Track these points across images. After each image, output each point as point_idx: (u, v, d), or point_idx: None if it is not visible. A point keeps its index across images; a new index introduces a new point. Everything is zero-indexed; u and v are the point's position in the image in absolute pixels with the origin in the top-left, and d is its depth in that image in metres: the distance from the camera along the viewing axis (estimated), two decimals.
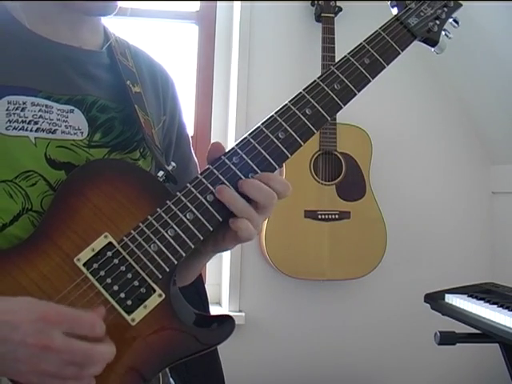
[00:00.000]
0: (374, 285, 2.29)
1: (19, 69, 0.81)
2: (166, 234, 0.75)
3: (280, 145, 0.80)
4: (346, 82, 0.85)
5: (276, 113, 0.82)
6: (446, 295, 1.74)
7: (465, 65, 2.26)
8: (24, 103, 0.79)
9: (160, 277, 0.74)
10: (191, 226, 0.76)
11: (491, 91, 2.22)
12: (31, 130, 0.79)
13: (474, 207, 2.42)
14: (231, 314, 2.12)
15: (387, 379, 2.34)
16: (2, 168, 0.77)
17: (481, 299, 1.65)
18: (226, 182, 0.77)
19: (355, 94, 0.86)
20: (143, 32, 2.32)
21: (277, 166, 0.80)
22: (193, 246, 0.76)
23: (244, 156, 0.78)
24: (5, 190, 0.77)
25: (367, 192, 2.18)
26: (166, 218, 0.75)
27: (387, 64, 0.89)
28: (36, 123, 0.79)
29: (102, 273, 0.73)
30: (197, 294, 1.06)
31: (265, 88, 2.25)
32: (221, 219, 0.77)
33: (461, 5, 0.98)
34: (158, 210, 0.76)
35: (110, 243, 0.74)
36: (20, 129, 0.78)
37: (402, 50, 0.91)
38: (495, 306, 1.57)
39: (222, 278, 2.32)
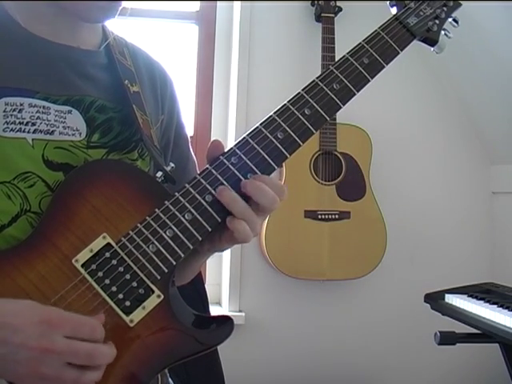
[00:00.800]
0: (374, 285, 2.29)
1: (16, 70, 0.80)
2: (164, 235, 0.75)
3: (279, 145, 0.80)
4: (345, 81, 0.85)
5: (275, 113, 0.81)
6: (446, 295, 1.74)
7: (464, 64, 2.26)
8: (21, 104, 0.79)
9: (158, 277, 0.74)
10: (190, 227, 0.75)
11: (491, 91, 2.22)
12: (29, 132, 0.78)
13: (474, 207, 2.42)
14: (231, 314, 2.13)
15: (387, 379, 2.34)
16: (0, 169, 0.77)
17: (481, 299, 1.65)
18: (224, 182, 0.77)
19: (354, 94, 0.86)
20: (143, 32, 2.32)
21: (276, 166, 0.80)
22: (191, 247, 0.76)
23: (243, 156, 0.78)
24: (3, 192, 0.76)
25: (367, 192, 2.18)
26: (165, 219, 0.75)
27: (386, 64, 0.89)
28: (33, 124, 0.79)
29: (101, 274, 0.72)
30: (197, 293, 1.06)
31: (265, 88, 2.25)
32: (219, 220, 0.77)
33: (460, 4, 0.98)
34: (157, 210, 0.76)
35: (109, 244, 0.74)
36: (17, 130, 0.78)
37: (402, 50, 0.91)
38: (495, 306, 1.57)
39: (222, 278, 2.32)
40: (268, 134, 0.80)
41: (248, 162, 0.78)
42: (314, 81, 0.84)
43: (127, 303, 0.72)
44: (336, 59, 2.53)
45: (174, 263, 0.75)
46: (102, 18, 0.85)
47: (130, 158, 0.86)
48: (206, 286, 1.19)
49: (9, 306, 0.66)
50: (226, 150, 0.79)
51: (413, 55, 2.32)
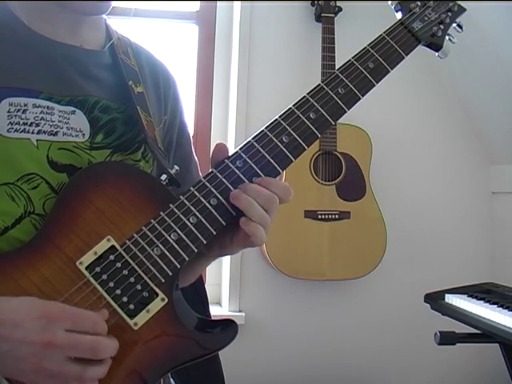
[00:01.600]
0: (374, 285, 2.29)
1: (20, 70, 0.80)
2: (169, 238, 0.75)
3: (284, 149, 0.80)
4: (351, 86, 0.85)
5: (280, 116, 0.81)
6: (446, 295, 1.74)
7: (464, 64, 2.26)
8: (25, 105, 0.78)
9: (163, 281, 0.74)
10: (194, 230, 0.76)
11: (491, 91, 2.22)
12: (33, 132, 0.78)
13: (474, 207, 2.42)
14: (231, 314, 2.14)
15: (387, 379, 2.34)
16: (4, 171, 0.76)
17: (481, 299, 1.65)
18: (229, 185, 0.77)
19: (359, 99, 0.86)
20: (143, 32, 2.32)
21: (280, 170, 0.80)
22: (196, 250, 0.76)
23: (248, 160, 0.78)
24: (7, 193, 0.76)
25: (367, 192, 2.18)
26: (169, 222, 0.75)
27: (391, 68, 0.89)
28: (37, 125, 0.79)
29: (105, 276, 0.72)
30: (197, 294, 1.06)
31: (265, 88, 2.25)
32: (224, 223, 0.77)
33: (465, 9, 0.98)
34: (161, 213, 0.76)
35: (113, 247, 0.74)
36: (21, 131, 0.77)
37: (407, 55, 0.91)
38: (495, 306, 1.57)
39: (222, 278, 2.32)
40: (273, 138, 0.80)
41: (253, 165, 0.78)
42: (319, 85, 0.84)
43: (131, 306, 0.72)
44: (336, 59, 2.52)
45: (179, 266, 0.75)
46: (94, 10, 0.84)
47: (133, 159, 0.86)
48: (206, 285, 1.19)
49: (8, 303, 0.66)
50: (231, 154, 0.79)
51: (413, 55, 2.32)
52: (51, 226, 0.74)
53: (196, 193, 0.77)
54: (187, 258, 0.75)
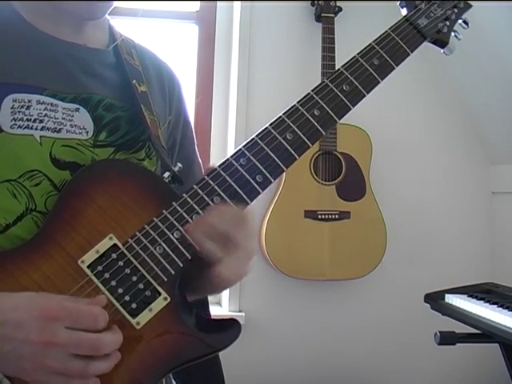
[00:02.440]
0: (374, 285, 2.29)
1: (24, 67, 0.80)
2: (171, 237, 0.74)
3: (288, 146, 0.79)
4: (356, 83, 0.84)
5: (284, 114, 0.81)
6: (446, 295, 1.74)
7: (465, 65, 2.26)
8: (29, 101, 0.78)
9: (165, 280, 0.73)
10: None
11: (491, 91, 2.22)
12: (36, 129, 0.77)
13: (474, 207, 2.42)
14: (231, 314, 2.14)
15: (387, 379, 2.34)
16: (6, 167, 0.75)
17: (481, 299, 1.65)
18: (233, 183, 0.76)
19: (364, 96, 0.85)
20: (143, 32, 2.32)
21: (284, 168, 0.79)
22: (199, 249, 0.75)
23: (251, 157, 0.78)
24: (8, 190, 0.75)
25: (367, 192, 2.18)
26: (172, 220, 0.75)
27: (397, 65, 0.88)
28: (41, 122, 0.78)
29: (107, 275, 0.72)
30: None
31: (265, 88, 2.25)
32: None
33: (471, 5, 0.98)
34: (164, 211, 0.75)
35: (115, 245, 0.73)
36: (25, 127, 0.77)
37: (412, 51, 0.90)
38: (495, 306, 1.57)
39: None
40: (277, 135, 0.79)
41: (257, 163, 0.78)
42: (323, 82, 0.84)
43: (133, 305, 0.72)
44: (336, 59, 2.51)
45: (181, 265, 0.74)
46: (88, 15, 0.84)
47: (137, 158, 0.86)
48: None
49: (7, 301, 0.65)
50: (234, 151, 0.79)
51: (414, 56, 2.32)
52: (53, 224, 0.74)
53: (199, 191, 0.76)
54: (190, 257, 0.74)
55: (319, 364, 2.28)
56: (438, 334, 1.56)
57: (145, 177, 0.80)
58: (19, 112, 0.77)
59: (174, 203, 0.76)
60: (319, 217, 2.14)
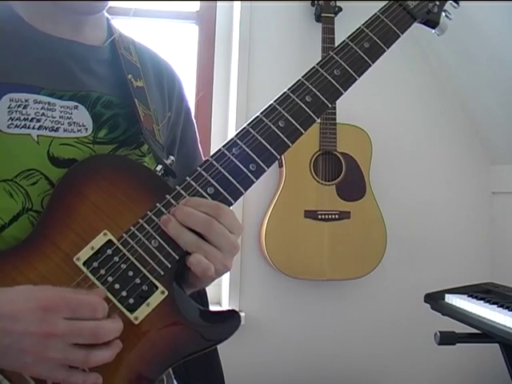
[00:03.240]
0: (374, 285, 2.29)
1: (21, 66, 0.80)
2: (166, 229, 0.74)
3: (281, 134, 0.79)
4: (346, 67, 0.84)
5: (275, 101, 0.81)
6: (446, 295, 1.74)
7: (465, 64, 2.26)
8: (26, 101, 0.78)
9: (162, 273, 0.73)
10: None
11: (491, 91, 2.22)
12: (33, 128, 0.77)
13: (474, 207, 2.42)
14: None
15: (387, 379, 2.34)
16: (3, 167, 0.75)
17: (481, 299, 1.65)
18: (226, 173, 0.76)
19: (356, 79, 0.85)
20: (143, 32, 2.32)
21: (278, 156, 0.79)
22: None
23: (244, 146, 0.77)
24: (5, 190, 0.75)
25: (367, 192, 2.18)
26: (166, 213, 0.74)
27: (387, 47, 0.88)
28: (38, 121, 0.78)
29: (103, 271, 0.71)
30: (197, 293, 1.06)
31: (265, 88, 2.25)
32: None
33: None
34: (158, 204, 0.75)
35: (110, 241, 0.73)
36: (22, 126, 0.77)
37: (402, 33, 0.89)
38: (495, 306, 1.57)
39: (222, 278, 2.32)
40: (269, 123, 0.79)
41: (250, 152, 0.77)
42: (314, 67, 0.84)
43: (131, 300, 0.71)
44: None
45: (177, 258, 0.74)
46: (88, 10, 0.84)
47: (137, 154, 0.85)
48: None
49: (3, 295, 0.65)
50: (226, 141, 0.78)
51: (413, 55, 2.32)
52: (46, 222, 0.74)
53: (192, 182, 0.76)
54: (185, 249, 0.74)
55: (319, 364, 2.27)
56: (438, 334, 1.56)
57: (137, 170, 0.79)
58: (16, 111, 0.77)
59: (167, 196, 0.75)
60: (319, 217, 2.14)
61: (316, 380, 2.27)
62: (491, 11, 1.94)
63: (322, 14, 2.19)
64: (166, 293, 0.73)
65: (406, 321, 2.32)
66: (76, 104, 0.81)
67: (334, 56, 0.84)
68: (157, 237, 0.73)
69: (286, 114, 0.80)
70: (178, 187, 0.76)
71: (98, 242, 0.72)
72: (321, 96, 0.82)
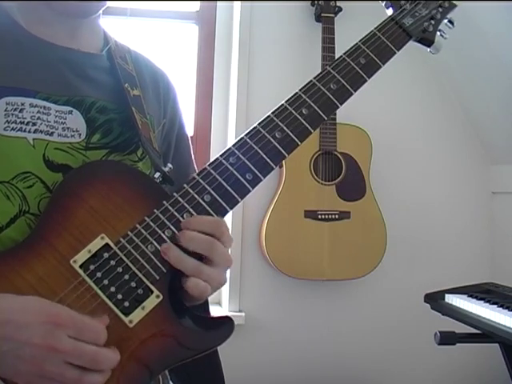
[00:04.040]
0: (374, 285, 2.29)
1: (18, 70, 0.80)
2: (163, 235, 0.74)
3: (277, 145, 0.80)
4: (343, 81, 0.85)
5: (272, 113, 0.82)
6: (446, 295, 1.74)
7: (464, 65, 2.26)
8: (22, 104, 0.78)
9: (157, 278, 0.73)
10: None
11: (491, 91, 2.22)
12: (29, 131, 0.78)
13: (474, 207, 2.42)
14: (231, 314, 2.13)
15: (387, 379, 2.34)
16: (0, 169, 0.76)
17: (481, 299, 1.65)
18: (223, 182, 0.77)
19: (351, 94, 0.86)
20: (143, 32, 2.32)
21: (274, 166, 0.80)
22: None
23: (241, 156, 0.79)
24: (2, 192, 0.76)
25: (367, 192, 2.18)
26: (163, 219, 0.75)
27: (383, 64, 0.89)
28: (34, 124, 0.79)
29: (99, 274, 0.72)
30: None
31: (265, 88, 2.25)
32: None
33: (455, 5, 1.00)
34: (155, 211, 0.75)
35: (107, 244, 0.73)
36: (18, 130, 0.77)
37: (398, 50, 0.91)
38: (495, 305, 1.57)
39: None
40: (266, 134, 0.80)
41: (246, 161, 0.78)
42: (311, 81, 0.85)
43: (126, 304, 0.72)
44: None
45: None
46: (81, 12, 0.84)
47: (131, 160, 0.86)
48: None
49: (13, 303, 0.66)
50: (223, 150, 0.79)
51: (413, 55, 2.32)
52: (44, 225, 0.74)
53: (190, 190, 0.77)
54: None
55: (319, 364, 2.28)
56: (438, 334, 1.57)
57: (135, 177, 0.80)
58: (12, 115, 0.77)
59: (165, 202, 0.76)
60: (319, 217, 2.14)
61: (316, 380, 2.27)
62: (491, 12, 1.94)
63: (322, 14, 2.19)
64: (161, 297, 0.73)
65: (406, 321, 2.32)
66: (71, 109, 0.82)
67: (331, 71, 0.86)
68: (153, 242, 0.74)
69: (282, 126, 0.81)
70: (175, 194, 0.77)
71: (95, 245, 0.73)
72: (317, 109, 0.83)
